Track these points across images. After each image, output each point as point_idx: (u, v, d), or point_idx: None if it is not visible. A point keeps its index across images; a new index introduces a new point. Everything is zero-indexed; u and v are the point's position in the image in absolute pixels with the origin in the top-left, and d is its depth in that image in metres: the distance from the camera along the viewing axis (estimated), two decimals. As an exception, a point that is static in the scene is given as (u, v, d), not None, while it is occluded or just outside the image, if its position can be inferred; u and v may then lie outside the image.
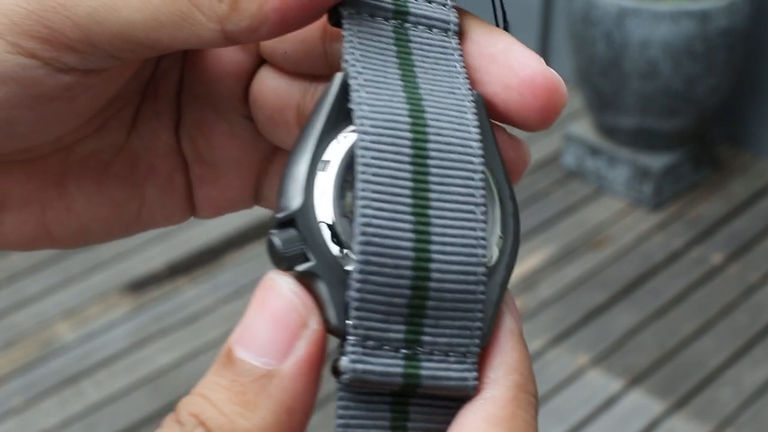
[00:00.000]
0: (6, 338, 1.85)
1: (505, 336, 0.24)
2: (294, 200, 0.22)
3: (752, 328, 1.82)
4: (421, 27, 0.24)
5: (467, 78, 0.24)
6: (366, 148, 0.22)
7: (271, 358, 0.21)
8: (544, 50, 2.68)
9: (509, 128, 0.25)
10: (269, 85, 0.29)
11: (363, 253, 0.21)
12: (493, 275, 0.23)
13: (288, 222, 0.22)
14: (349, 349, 0.22)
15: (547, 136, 2.42)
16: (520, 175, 0.26)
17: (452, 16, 0.25)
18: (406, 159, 0.22)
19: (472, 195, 0.23)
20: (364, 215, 0.21)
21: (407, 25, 0.24)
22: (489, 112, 0.24)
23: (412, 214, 0.22)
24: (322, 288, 0.22)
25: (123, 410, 1.68)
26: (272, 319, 0.22)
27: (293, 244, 0.22)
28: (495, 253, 0.23)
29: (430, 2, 0.25)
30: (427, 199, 0.22)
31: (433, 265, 0.22)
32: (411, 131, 0.23)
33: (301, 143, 0.23)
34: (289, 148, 0.29)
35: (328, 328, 0.22)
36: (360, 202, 0.22)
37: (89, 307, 1.92)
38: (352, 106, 0.23)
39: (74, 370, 1.77)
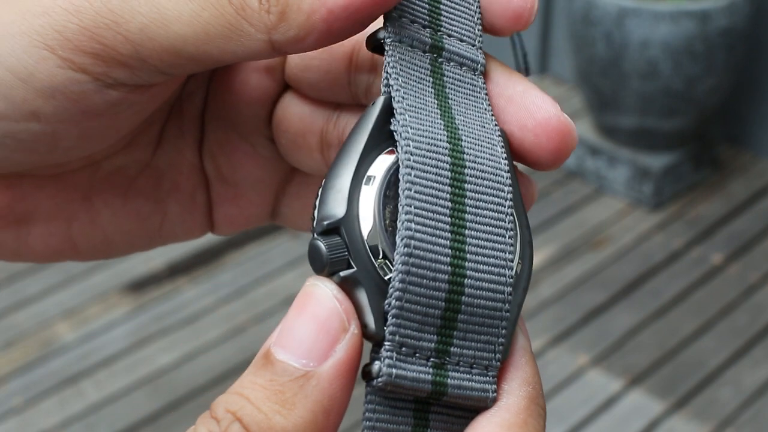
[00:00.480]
0: (6, 338, 1.85)
1: (519, 352, 0.25)
2: (338, 209, 0.23)
3: (752, 328, 1.82)
4: (453, 63, 0.26)
5: (493, 115, 0.26)
6: (411, 167, 0.23)
7: (310, 360, 0.22)
8: (544, 50, 2.68)
9: (520, 166, 0.27)
10: (293, 110, 0.30)
11: (404, 264, 0.22)
12: (513, 296, 0.24)
13: (332, 230, 0.23)
14: (385, 354, 0.23)
15: (547, 136, 2.42)
16: (527, 211, 0.27)
17: (480, 57, 0.26)
18: (446, 181, 0.24)
19: (503, 220, 0.24)
20: (408, 228, 0.23)
21: (440, 59, 0.26)
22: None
23: (450, 231, 0.23)
24: (362, 294, 0.23)
25: (123, 410, 1.68)
26: (314, 322, 0.22)
27: (337, 251, 0.23)
28: (514, 276, 0.25)
29: (462, 41, 0.26)
30: (464, 219, 0.24)
31: (467, 281, 0.23)
32: (450, 156, 0.24)
33: (343, 158, 0.24)
34: (307, 169, 0.31)
35: (365, 334, 0.23)
36: (404, 216, 0.23)
37: (89, 307, 1.92)
38: (397, 128, 0.24)
39: (74, 370, 1.77)
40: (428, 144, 0.24)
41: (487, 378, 0.24)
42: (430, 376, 0.23)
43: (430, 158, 0.24)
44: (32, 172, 0.29)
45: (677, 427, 1.61)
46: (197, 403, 1.69)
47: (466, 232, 0.23)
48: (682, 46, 2.00)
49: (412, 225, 0.23)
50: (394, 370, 0.23)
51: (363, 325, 0.23)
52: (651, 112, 2.09)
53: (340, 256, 0.23)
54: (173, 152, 0.31)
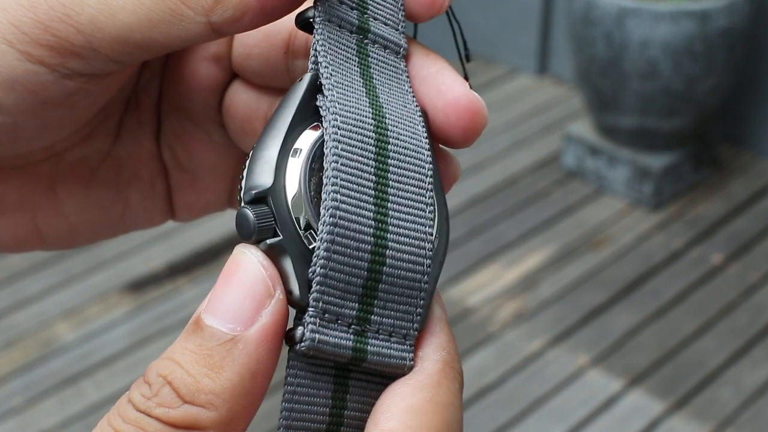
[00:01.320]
0: (6, 338, 1.85)
1: (434, 321, 0.26)
2: (266, 179, 0.24)
3: (752, 328, 1.82)
4: (377, 45, 0.27)
5: (414, 96, 0.27)
6: (338, 141, 0.24)
7: (237, 324, 0.23)
8: (544, 50, 2.68)
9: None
10: (240, 97, 0.31)
11: (329, 233, 0.23)
12: (431, 269, 0.25)
13: (259, 199, 0.24)
14: (309, 320, 0.23)
15: (547, 136, 2.43)
16: (449, 188, 0.28)
17: (403, 41, 0.27)
18: (371, 156, 0.24)
19: (424, 195, 0.25)
20: (333, 199, 0.23)
21: (366, 41, 0.27)
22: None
23: (374, 204, 0.24)
24: (287, 262, 0.24)
25: (123, 410, 1.68)
26: (240, 288, 0.23)
27: (264, 219, 0.24)
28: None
29: (386, 25, 0.27)
30: (387, 193, 0.24)
31: (388, 252, 0.24)
32: (375, 132, 0.25)
33: (270, 131, 0.25)
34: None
35: (290, 300, 0.24)
36: (329, 188, 0.24)
37: (89, 307, 1.92)
38: (324, 103, 0.25)
39: (74, 370, 1.77)
40: (354, 119, 0.25)
41: (405, 347, 0.25)
42: (350, 342, 0.24)
43: (356, 133, 0.24)
44: None
45: (677, 427, 1.62)
46: (197, 403, 1.69)
47: (389, 205, 0.24)
48: (682, 46, 2.00)
49: (338, 196, 0.24)
50: (316, 336, 0.23)
51: (288, 292, 0.24)
52: (651, 112, 2.09)
53: (267, 224, 0.24)
54: (132, 143, 0.32)
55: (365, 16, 0.27)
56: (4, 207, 0.31)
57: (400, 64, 0.27)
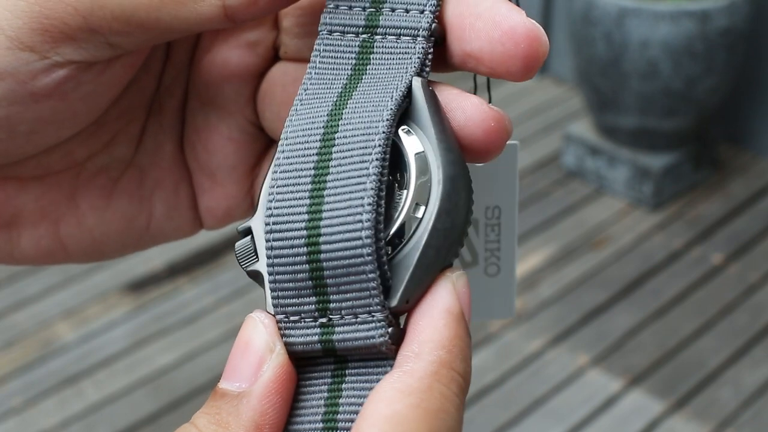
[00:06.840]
0: (6, 338, 1.85)
1: (440, 314, 0.24)
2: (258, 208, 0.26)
3: (752, 328, 1.82)
4: (389, 37, 0.27)
5: (419, 74, 0.26)
6: (279, 163, 0.25)
7: (242, 382, 0.24)
8: (544, 50, 2.68)
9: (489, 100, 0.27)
10: (279, 81, 0.30)
11: (267, 240, 0.25)
12: (408, 241, 0.25)
13: (246, 230, 0.26)
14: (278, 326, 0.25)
15: (547, 136, 2.42)
16: (501, 143, 0.26)
17: (424, 22, 0.27)
18: (312, 153, 0.25)
19: (366, 168, 0.25)
20: (269, 208, 0.25)
21: (376, 36, 0.27)
22: (478, 69, 0.27)
23: (309, 197, 0.25)
24: (263, 281, 0.25)
25: (123, 410, 1.68)
26: (244, 347, 0.24)
27: (245, 249, 0.26)
28: (400, 220, 0.25)
29: (407, 11, 0.27)
30: (325, 182, 0.25)
31: (322, 239, 0.24)
32: (323, 131, 0.25)
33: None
34: None
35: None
36: (267, 198, 0.25)
37: (89, 307, 1.92)
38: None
39: (74, 370, 1.77)
40: (302, 130, 0.26)
41: (373, 324, 0.24)
42: (317, 336, 0.25)
43: (299, 143, 0.26)
44: (14, 173, 0.29)
45: (677, 427, 1.61)
46: (197, 403, 1.69)
47: (326, 192, 0.25)
48: (682, 46, 2.00)
49: (272, 204, 0.25)
50: (285, 339, 0.25)
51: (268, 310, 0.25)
52: (651, 112, 2.09)
53: (248, 258, 0.26)
54: (154, 149, 0.32)
55: (380, 10, 0.27)
56: (23, 218, 0.30)
57: (414, 48, 0.27)
